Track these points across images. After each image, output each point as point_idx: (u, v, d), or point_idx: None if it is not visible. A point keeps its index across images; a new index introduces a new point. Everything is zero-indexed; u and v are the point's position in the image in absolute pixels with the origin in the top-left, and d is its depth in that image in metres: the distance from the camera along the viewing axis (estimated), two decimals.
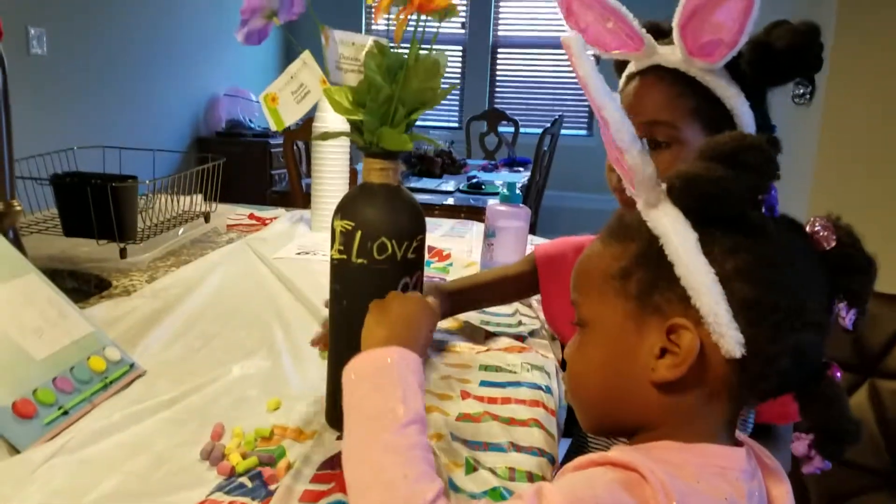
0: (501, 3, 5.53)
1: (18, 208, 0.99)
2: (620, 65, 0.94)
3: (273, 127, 0.87)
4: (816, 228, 0.56)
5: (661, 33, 0.87)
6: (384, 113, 0.73)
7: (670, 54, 0.85)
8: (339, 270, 0.76)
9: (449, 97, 5.64)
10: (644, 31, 0.85)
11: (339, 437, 0.76)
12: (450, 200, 3.10)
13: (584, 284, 0.60)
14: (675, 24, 0.80)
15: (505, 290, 1.11)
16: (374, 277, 0.74)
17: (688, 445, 0.53)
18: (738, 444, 0.57)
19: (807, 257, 0.55)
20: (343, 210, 0.76)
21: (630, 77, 0.91)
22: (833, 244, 0.55)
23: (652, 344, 0.54)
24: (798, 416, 0.98)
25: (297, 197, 2.84)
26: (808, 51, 0.80)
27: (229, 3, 4.79)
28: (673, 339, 0.53)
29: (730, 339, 0.51)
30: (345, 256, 0.75)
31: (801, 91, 0.74)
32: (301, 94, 0.89)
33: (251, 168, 4.32)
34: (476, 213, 2.86)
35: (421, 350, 0.65)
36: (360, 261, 0.75)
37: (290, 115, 0.85)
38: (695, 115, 0.85)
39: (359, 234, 0.74)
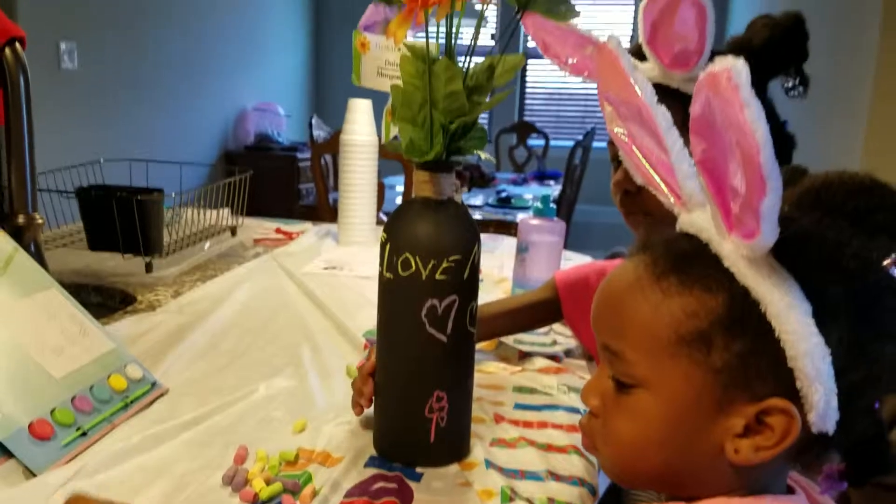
0: None
1: (40, 221, 0.97)
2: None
3: (353, 77, 0.82)
4: (893, 269, 0.48)
5: (642, 55, 0.86)
6: (423, 121, 0.69)
7: (649, 70, 0.84)
8: (379, 283, 0.73)
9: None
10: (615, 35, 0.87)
11: (368, 463, 0.72)
12: (478, 215, 3.07)
13: (639, 339, 0.49)
14: (641, 41, 0.83)
15: (527, 319, 1.06)
16: (399, 295, 0.71)
17: (746, 500, 0.48)
18: (790, 489, 0.52)
19: None
20: (388, 221, 0.72)
21: None
22: None
23: (734, 423, 0.47)
24: None
25: (325, 211, 2.82)
26: (789, 42, 0.78)
27: (258, 17, 4.83)
28: (764, 419, 0.46)
29: (830, 421, 0.44)
30: (381, 269, 0.72)
31: (791, 84, 0.72)
32: (385, 72, 0.85)
33: (279, 182, 4.32)
34: (505, 228, 2.82)
35: None
36: (388, 275, 0.71)
37: (367, 78, 0.80)
38: (685, 126, 0.81)
39: (388, 247, 0.71)
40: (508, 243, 1.81)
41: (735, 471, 0.48)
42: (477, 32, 0.66)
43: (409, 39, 0.66)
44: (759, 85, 0.82)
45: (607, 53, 0.53)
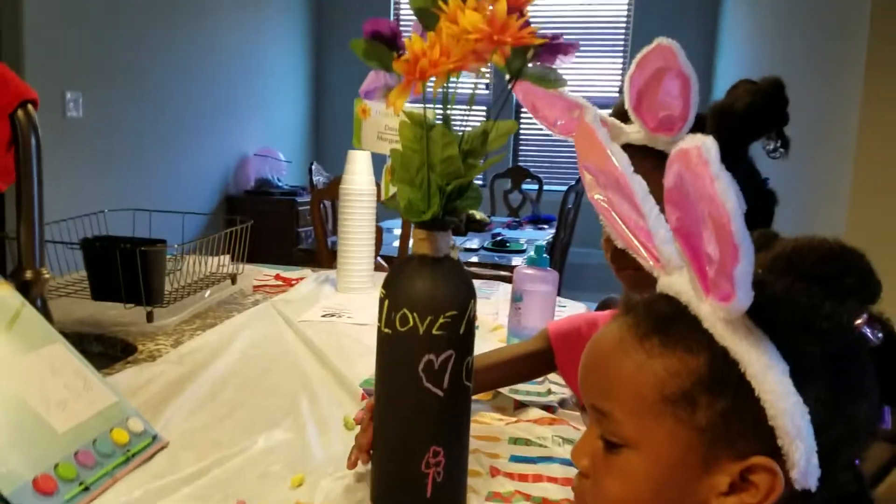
0: None
1: (47, 276, 0.99)
2: None
3: (354, 140, 0.85)
4: (865, 330, 0.50)
5: (628, 117, 0.89)
6: (420, 182, 0.72)
7: (635, 132, 0.88)
8: (377, 338, 0.75)
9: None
10: (607, 115, 0.90)
11: None
12: (474, 258, 3.10)
13: (624, 399, 0.51)
14: (627, 106, 0.85)
15: (521, 370, 1.06)
16: (396, 349, 0.73)
17: None
18: None
19: (870, 369, 0.50)
20: (386, 277, 0.75)
21: None
22: (878, 342, 0.49)
23: (719, 481, 0.48)
24: None
25: (324, 255, 2.85)
26: (769, 108, 0.80)
27: (260, 65, 4.92)
28: (748, 477, 0.47)
29: (812, 478, 0.45)
30: (379, 324, 0.74)
31: (772, 146, 0.75)
32: (385, 136, 0.88)
33: (278, 225, 4.37)
34: (500, 270, 2.85)
35: None
36: (386, 330, 0.73)
37: (367, 142, 0.83)
38: None
39: (386, 303, 0.73)
40: (504, 290, 1.83)
41: None
42: (471, 104, 0.69)
43: (408, 106, 0.69)
44: (741, 147, 0.85)
45: (585, 127, 0.56)
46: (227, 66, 4.53)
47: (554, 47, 0.73)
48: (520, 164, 5.42)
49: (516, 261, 3.04)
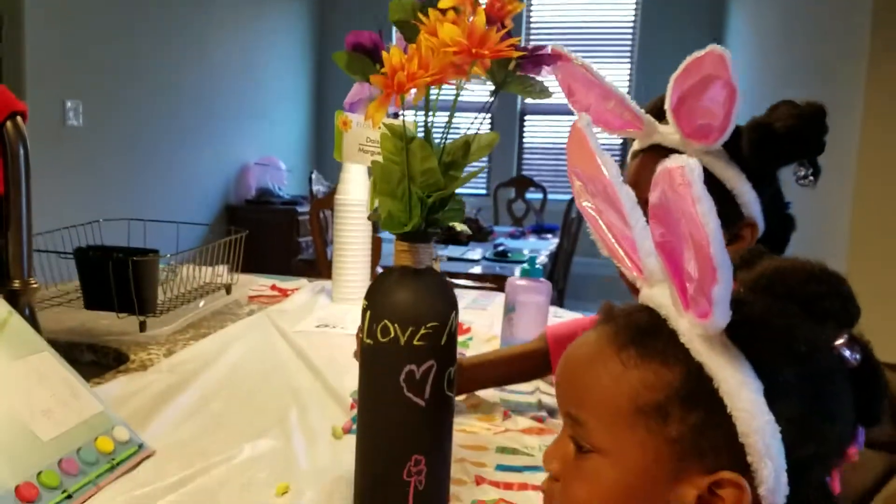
0: None
1: (35, 286, 1.00)
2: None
3: (335, 153, 0.85)
4: (844, 350, 0.49)
5: (662, 113, 0.88)
6: (401, 194, 0.73)
7: (670, 134, 0.87)
8: (360, 349, 0.75)
9: (476, 163, 5.71)
10: (643, 111, 0.88)
11: None
12: (476, 269, 3.10)
13: (599, 408, 0.51)
14: (667, 107, 0.84)
15: (519, 368, 1.09)
16: (378, 359, 0.73)
17: None
18: None
19: (844, 389, 0.50)
20: (368, 289, 0.75)
21: (634, 155, 0.94)
22: (856, 364, 0.49)
23: (686, 493, 0.48)
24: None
25: (323, 264, 2.85)
26: (809, 134, 0.80)
27: (261, 75, 4.94)
28: (716, 490, 0.48)
29: (780, 495, 0.46)
30: (361, 335, 0.75)
31: (803, 173, 0.74)
32: (366, 148, 0.88)
33: (279, 235, 4.38)
34: (502, 281, 2.84)
35: None
36: (368, 341, 0.74)
37: (348, 155, 0.83)
38: None
39: (368, 314, 0.74)
40: (500, 301, 1.83)
41: None
42: (451, 116, 0.70)
43: (389, 119, 0.70)
44: (774, 169, 0.87)
45: (576, 133, 0.56)
46: (228, 74, 4.55)
47: (536, 58, 0.73)
48: (524, 173, 5.43)
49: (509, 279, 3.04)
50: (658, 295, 0.51)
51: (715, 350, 0.46)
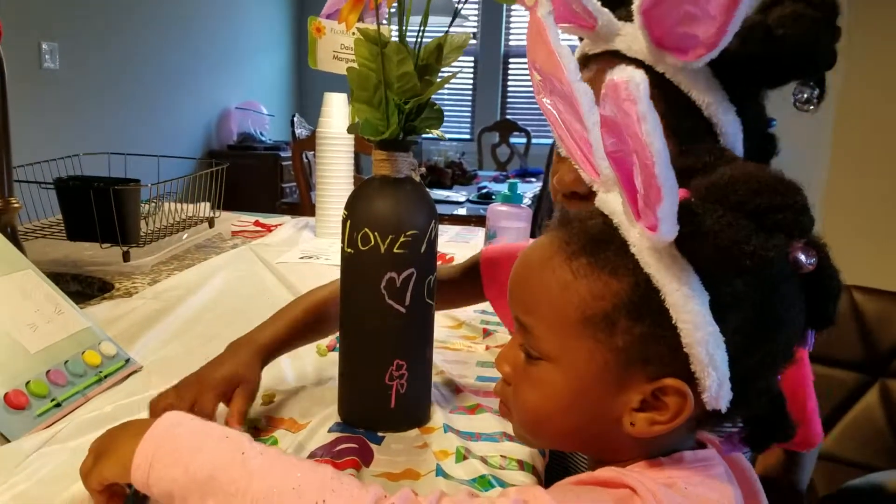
0: (513, 14, 5.55)
1: (16, 205, 1.00)
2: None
3: (309, 61, 0.82)
4: (799, 254, 0.48)
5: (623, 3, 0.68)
6: (378, 102, 0.73)
7: (633, 38, 0.67)
8: (341, 259, 0.77)
9: (460, 108, 5.67)
10: (599, 4, 0.67)
11: (332, 429, 0.76)
12: (460, 211, 3.11)
13: (548, 316, 0.51)
14: (635, 6, 0.62)
15: (448, 296, 0.95)
16: (359, 268, 0.74)
17: (664, 460, 0.51)
18: (701, 444, 0.55)
19: (795, 295, 0.50)
20: (349, 199, 0.76)
21: (584, 61, 0.72)
22: (811, 268, 0.49)
23: (631, 398, 0.49)
24: (820, 439, 0.94)
25: (306, 207, 2.85)
26: (819, 42, 0.63)
27: (242, 16, 4.85)
28: (660, 395, 0.49)
29: (723, 401, 0.47)
30: (342, 245, 0.76)
31: (806, 95, 0.63)
32: (341, 56, 0.86)
33: (262, 181, 4.35)
34: (484, 222, 2.86)
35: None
36: (349, 250, 0.75)
37: (322, 62, 0.81)
38: (663, 123, 0.57)
39: (348, 223, 0.75)
40: (482, 234, 1.85)
41: (637, 439, 0.51)
42: (426, 17, 0.69)
43: (364, 24, 0.70)
44: (769, 87, 0.70)
45: (536, 22, 0.54)
46: (207, 16, 4.46)
47: None
48: (507, 117, 5.39)
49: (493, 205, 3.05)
50: (612, 201, 0.51)
51: (663, 262, 0.46)
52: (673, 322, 0.46)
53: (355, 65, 0.72)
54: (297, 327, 0.84)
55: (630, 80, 0.41)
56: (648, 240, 0.46)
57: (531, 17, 0.55)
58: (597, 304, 0.49)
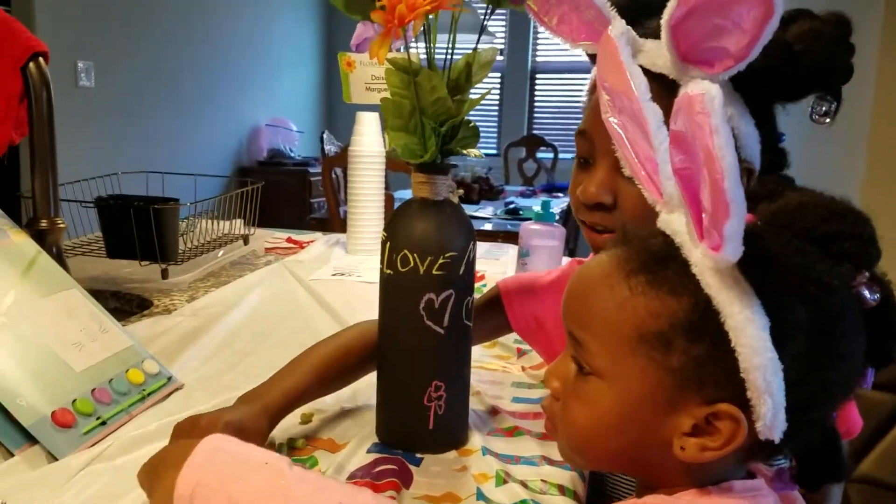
0: (540, 30, 5.56)
1: (62, 226, 1.02)
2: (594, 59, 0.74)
3: (344, 95, 0.83)
4: (863, 289, 0.48)
5: (649, 9, 0.67)
6: (414, 127, 0.74)
7: (657, 54, 0.67)
8: (380, 280, 0.78)
9: (487, 123, 5.69)
10: (622, 21, 0.64)
11: (371, 449, 0.77)
12: (487, 226, 3.11)
13: (602, 332, 0.51)
14: (664, 21, 0.61)
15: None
16: (398, 289, 0.75)
17: (712, 490, 0.51)
18: (751, 474, 0.54)
19: (857, 329, 0.49)
20: (388, 220, 0.77)
21: None
22: (874, 304, 0.48)
23: (683, 422, 0.49)
24: (859, 427, 0.92)
25: (336, 223, 2.87)
26: (836, 57, 0.66)
27: (271, 34, 4.92)
28: (712, 420, 0.48)
29: (777, 431, 0.46)
30: (381, 266, 0.77)
31: (824, 108, 0.68)
32: (373, 87, 0.88)
33: (291, 196, 4.40)
34: (513, 238, 2.85)
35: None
36: (388, 271, 0.76)
37: (356, 95, 0.83)
38: None
39: (388, 245, 0.76)
40: (513, 252, 1.85)
41: (685, 465, 0.50)
42: (453, 34, 0.70)
43: (392, 53, 0.70)
44: (789, 101, 0.72)
45: (608, 43, 0.54)
46: (236, 35, 4.53)
47: None
48: (535, 132, 5.40)
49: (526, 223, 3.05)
50: (675, 221, 0.50)
51: (725, 283, 0.46)
52: (731, 345, 0.45)
53: (387, 93, 0.73)
54: (305, 388, 0.79)
55: (706, 94, 0.42)
56: (711, 259, 0.45)
57: (603, 39, 0.55)
58: (653, 323, 0.48)
